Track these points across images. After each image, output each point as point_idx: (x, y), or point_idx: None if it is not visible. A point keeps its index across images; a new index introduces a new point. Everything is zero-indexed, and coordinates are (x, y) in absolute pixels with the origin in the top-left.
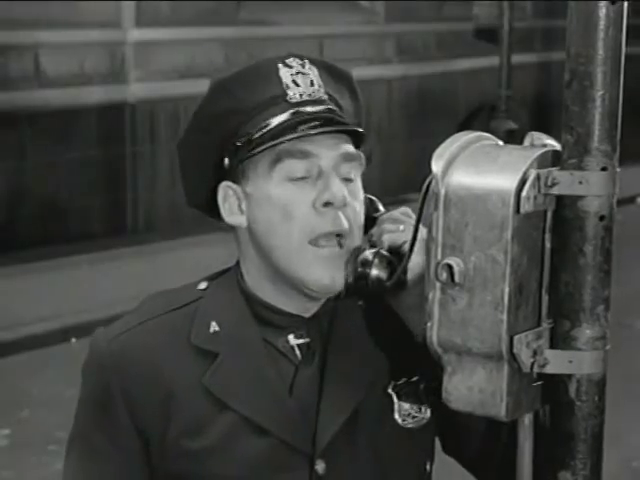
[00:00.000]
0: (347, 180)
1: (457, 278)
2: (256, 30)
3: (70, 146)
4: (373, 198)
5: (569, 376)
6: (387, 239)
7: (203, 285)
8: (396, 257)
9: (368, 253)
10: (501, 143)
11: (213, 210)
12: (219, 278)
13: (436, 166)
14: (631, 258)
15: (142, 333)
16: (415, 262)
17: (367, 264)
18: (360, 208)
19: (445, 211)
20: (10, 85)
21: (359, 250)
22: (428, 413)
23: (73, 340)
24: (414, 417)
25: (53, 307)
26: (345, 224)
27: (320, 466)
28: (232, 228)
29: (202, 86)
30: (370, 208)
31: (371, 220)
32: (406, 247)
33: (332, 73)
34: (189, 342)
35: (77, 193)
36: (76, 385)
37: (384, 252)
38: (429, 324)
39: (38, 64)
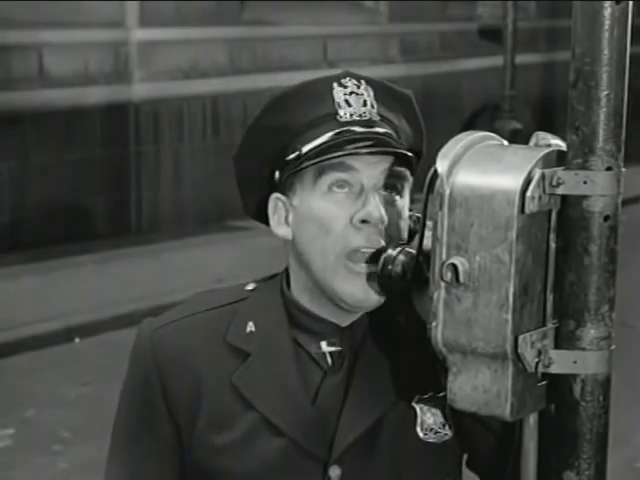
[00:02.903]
0: (389, 194)
1: (462, 278)
2: (260, 30)
3: (73, 146)
4: (420, 216)
5: (574, 376)
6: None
7: (251, 286)
8: (426, 257)
9: (393, 251)
10: (506, 143)
11: (267, 220)
12: (268, 281)
13: (441, 166)
14: (635, 258)
15: (182, 327)
16: None
17: (390, 261)
18: (403, 225)
19: (450, 211)
20: (14, 85)
21: (385, 250)
22: (452, 429)
23: (77, 340)
24: (437, 432)
25: (57, 307)
26: (379, 243)
27: (334, 473)
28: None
29: (206, 86)
30: (418, 226)
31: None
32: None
33: (389, 95)
34: (225, 339)
35: (80, 193)
36: (80, 385)
37: (409, 249)
38: (434, 324)
39: (42, 64)
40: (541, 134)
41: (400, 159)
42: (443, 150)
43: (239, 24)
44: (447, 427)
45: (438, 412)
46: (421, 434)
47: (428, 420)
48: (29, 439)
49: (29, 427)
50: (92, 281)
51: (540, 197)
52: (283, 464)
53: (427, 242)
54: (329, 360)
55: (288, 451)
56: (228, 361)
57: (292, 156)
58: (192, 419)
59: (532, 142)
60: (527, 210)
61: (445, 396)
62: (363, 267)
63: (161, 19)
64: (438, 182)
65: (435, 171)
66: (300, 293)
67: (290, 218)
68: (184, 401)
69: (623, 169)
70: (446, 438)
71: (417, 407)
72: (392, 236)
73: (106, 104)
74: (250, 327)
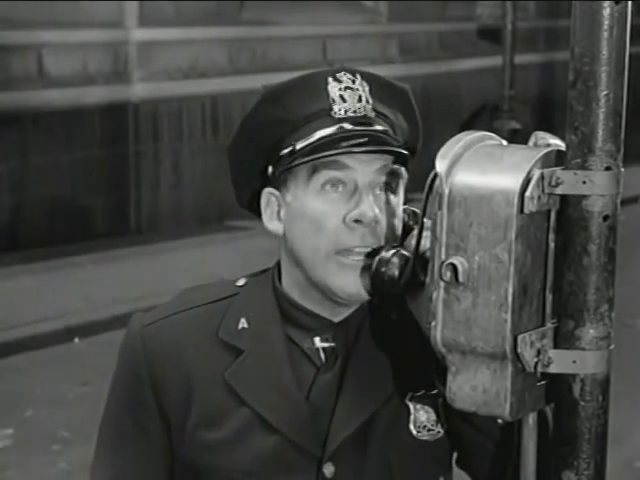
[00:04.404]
0: (384, 192)
1: (461, 278)
2: (259, 30)
3: (73, 146)
4: (416, 210)
5: (573, 376)
6: (414, 243)
7: (242, 282)
8: (421, 260)
9: (387, 253)
10: (505, 143)
11: (259, 211)
12: (259, 276)
13: (440, 166)
14: (634, 258)
15: (174, 323)
16: None
17: (384, 263)
18: (397, 224)
19: (449, 211)
20: (13, 85)
21: (379, 251)
22: (444, 427)
23: (76, 340)
24: (429, 430)
25: (56, 307)
26: (373, 243)
27: (328, 469)
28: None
29: (205, 86)
30: (412, 220)
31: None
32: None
33: (385, 90)
34: (217, 336)
35: (80, 193)
36: (79, 385)
37: (404, 252)
38: (433, 324)
39: (41, 64)
40: (540, 134)
41: (395, 157)
42: (442, 150)
43: (238, 24)
44: (440, 425)
45: (431, 409)
46: (414, 431)
47: (421, 417)
48: (28, 439)
49: (28, 427)
50: (91, 281)
51: (539, 197)
52: (276, 461)
53: (423, 243)
54: (322, 356)
55: (281, 448)
56: (220, 358)
57: (286, 151)
58: (183, 416)
59: (531, 142)
60: (526, 210)
61: (438, 393)
62: (355, 260)
63: (160, 19)
64: (437, 182)
65: (435, 173)
66: (292, 288)
67: (282, 214)
68: (175, 398)
69: (622, 169)
70: (439, 436)
71: (410, 404)
72: (386, 235)
73: (106, 104)
74: (242, 323)
